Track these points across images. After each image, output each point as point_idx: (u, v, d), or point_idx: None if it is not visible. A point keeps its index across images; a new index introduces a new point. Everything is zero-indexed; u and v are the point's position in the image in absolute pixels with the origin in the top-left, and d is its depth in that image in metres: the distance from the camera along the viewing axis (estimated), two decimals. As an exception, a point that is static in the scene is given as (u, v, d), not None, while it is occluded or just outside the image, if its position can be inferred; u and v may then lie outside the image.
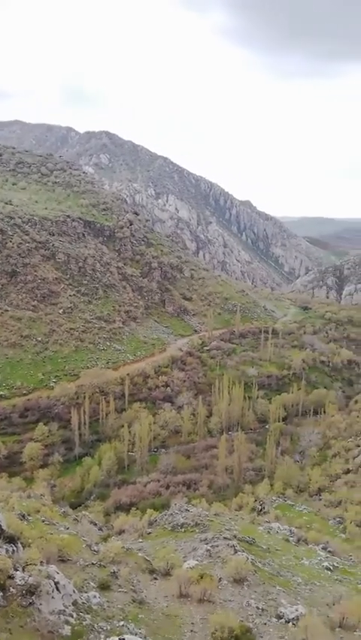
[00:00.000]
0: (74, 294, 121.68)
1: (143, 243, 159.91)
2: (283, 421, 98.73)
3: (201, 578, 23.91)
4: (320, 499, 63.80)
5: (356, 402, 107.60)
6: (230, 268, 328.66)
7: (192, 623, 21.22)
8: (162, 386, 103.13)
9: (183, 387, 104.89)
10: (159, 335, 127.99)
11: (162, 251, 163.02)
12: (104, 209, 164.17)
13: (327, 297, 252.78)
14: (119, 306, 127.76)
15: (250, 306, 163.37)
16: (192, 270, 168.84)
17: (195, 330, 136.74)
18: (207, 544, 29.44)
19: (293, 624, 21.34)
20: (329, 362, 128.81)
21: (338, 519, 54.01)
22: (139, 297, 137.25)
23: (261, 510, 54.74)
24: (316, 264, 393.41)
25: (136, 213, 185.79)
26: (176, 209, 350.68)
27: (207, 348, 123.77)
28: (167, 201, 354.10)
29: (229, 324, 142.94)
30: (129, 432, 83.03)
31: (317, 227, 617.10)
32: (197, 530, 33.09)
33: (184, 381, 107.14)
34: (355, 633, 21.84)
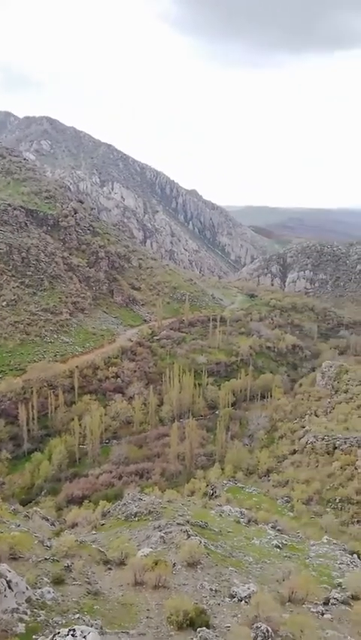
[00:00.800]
0: (17, 286, 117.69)
1: (89, 232, 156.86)
2: (232, 406, 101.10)
3: (156, 564, 24.23)
4: (269, 480, 66.06)
5: (300, 385, 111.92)
6: (178, 257, 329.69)
7: (148, 610, 21.53)
8: (113, 377, 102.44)
9: (134, 377, 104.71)
10: (108, 326, 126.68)
11: (108, 240, 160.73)
12: (47, 198, 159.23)
13: (272, 285, 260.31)
14: (66, 297, 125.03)
15: (199, 294, 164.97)
16: (140, 259, 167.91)
17: (145, 320, 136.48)
18: (160, 531, 29.81)
19: (246, 602, 22.14)
20: (274, 347, 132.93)
21: (286, 498, 56.25)
22: (86, 288, 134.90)
23: (213, 494, 55.97)
24: (261, 253, 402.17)
25: (81, 201, 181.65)
26: (122, 197, 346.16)
27: (157, 337, 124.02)
28: (112, 189, 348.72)
29: (178, 313, 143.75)
30: (80, 425, 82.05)
31: (261, 217, 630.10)
32: (150, 518, 33.41)
33: (135, 371, 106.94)
34: (303, 606, 23.00)
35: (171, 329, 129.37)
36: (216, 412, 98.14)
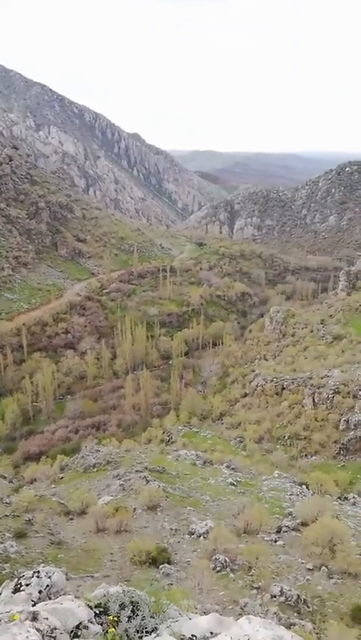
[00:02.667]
0: None
1: (26, 181, 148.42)
2: (185, 355, 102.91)
3: (117, 510, 25.13)
4: (222, 423, 68.91)
5: (250, 331, 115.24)
6: (124, 206, 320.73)
7: (111, 553, 22.49)
8: (63, 333, 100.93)
9: (85, 332, 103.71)
10: (54, 280, 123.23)
11: (48, 189, 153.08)
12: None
13: (220, 233, 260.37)
14: (7, 252, 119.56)
15: (147, 245, 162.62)
16: (84, 209, 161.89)
17: (93, 273, 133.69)
18: (120, 479, 30.73)
19: (204, 538, 23.58)
20: (224, 296, 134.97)
21: (239, 439, 59.15)
22: (28, 241, 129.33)
23: (169, 440, 57.80)
24: (208, 200, 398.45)
25: (15, 147, 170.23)
26: (60, 142, 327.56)
27: (107, 290, 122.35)
28: (49, 134, 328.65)
29: (127, 264, 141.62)
30: (32, 383, 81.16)
31: (207, 162, 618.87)
32: (109, 468, 34.27)
33: (85, 326, 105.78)
34: (258, 536, 24.81)
35: (120, 281, 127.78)
36: (170, 362, 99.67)
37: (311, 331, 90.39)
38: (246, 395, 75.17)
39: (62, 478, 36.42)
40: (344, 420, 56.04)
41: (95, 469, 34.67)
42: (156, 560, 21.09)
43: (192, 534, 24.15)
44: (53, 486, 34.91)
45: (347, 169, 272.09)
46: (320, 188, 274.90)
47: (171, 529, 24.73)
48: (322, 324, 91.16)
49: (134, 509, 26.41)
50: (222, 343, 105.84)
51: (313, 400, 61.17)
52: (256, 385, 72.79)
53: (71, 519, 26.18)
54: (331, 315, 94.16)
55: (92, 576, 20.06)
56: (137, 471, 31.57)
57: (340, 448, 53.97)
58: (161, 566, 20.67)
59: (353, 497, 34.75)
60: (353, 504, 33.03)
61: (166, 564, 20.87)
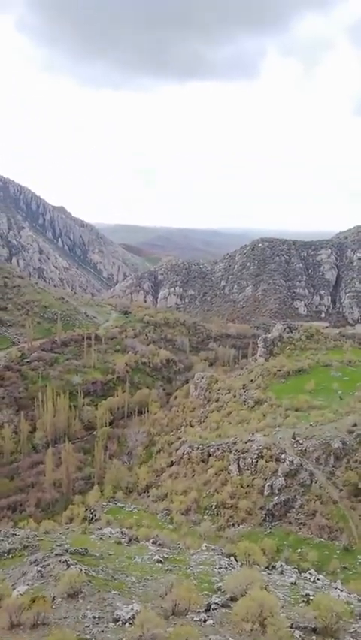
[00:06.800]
0: None
1: None
2: (110, 425, 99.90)
3: (33, 601, 22.66)
4: (149, 496, 66.39)
5: (175, 397, 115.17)
6: (48, 275, 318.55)
7: (26, 654, 19.99)
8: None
9: (3, 404, 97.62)
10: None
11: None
12: None
13: (145, 301, 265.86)
14: None
15: (71, 313, 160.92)
16: (6, 277, 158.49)
17: (13, 342, 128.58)
18: (37, 565, 28.02)
19: (130, 624, 21.78)
20: (149, 363, 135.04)
21: (166, 511, 57.05)
22: None
23: (92, 518, 54.49)
24: (133, 270, 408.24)
25: None
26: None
27: (28, 360, 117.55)
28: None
29: (50, 333, 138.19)
30: None
31: (131, 235, 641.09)
32: (26, 553, 31.27)
33: (3, 397, 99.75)
34: (187, 616, 23.37)
35: (42, 350, 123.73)
36: (94, 433, 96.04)
37: (234, 396, 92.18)
38: (172, 464, 73.61)
39: (-30, 569, 32.43)
40: (268, 485, 56.27)
41: (10, 556, 31.42)
42: (77, 656, 18.99)
43: (117, 621, 22.20)
44: None
45: (259, 245, 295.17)
46: (236, 262, 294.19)
47: (94, 617, 22.59)
48: (243, 389, 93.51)
49: (54, 598, 23.95)
50: (148, 411, 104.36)
51: (239, 465, 61.13)
52: (183, 453, 71.67)
53: (-20, 617, 23.08)
54: (252, 380, 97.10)
55: None
56: (57, 554, 29.01)
57: (265, 514, 53.68)
58: (82, 663, 18.64)
59: (281, 565, 34.23)
60: (281, 572, 32.46)
61: (88, 660, 18.86)
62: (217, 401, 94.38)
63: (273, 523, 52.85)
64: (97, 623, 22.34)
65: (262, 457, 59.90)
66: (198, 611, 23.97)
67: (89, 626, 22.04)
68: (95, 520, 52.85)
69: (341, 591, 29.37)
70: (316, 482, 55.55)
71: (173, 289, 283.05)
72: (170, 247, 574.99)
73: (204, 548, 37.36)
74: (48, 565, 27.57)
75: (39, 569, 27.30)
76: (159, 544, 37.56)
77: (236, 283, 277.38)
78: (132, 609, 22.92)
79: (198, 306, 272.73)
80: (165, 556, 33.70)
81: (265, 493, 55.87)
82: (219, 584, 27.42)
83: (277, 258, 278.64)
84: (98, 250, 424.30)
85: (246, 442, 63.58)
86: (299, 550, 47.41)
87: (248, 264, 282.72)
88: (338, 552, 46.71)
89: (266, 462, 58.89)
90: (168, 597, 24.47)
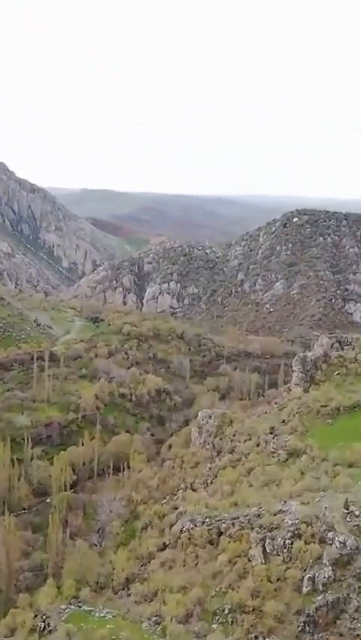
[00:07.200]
0: None
1: None
2: (71, 488, 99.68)
3: None
4: (129, 595, 66.07)
5: (169, 447, 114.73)
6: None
7: None
8: None
9: None
10: None
11: None
12: None
13: (124, 303, 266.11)
14: None
15: (15, 320, 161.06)
16: None
17: None
18: None
19: None
20: (131, 395, 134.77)
21: (155, 618, 56.70)
22: None
23: (44, 629, 54.30)
24: (107, 257, 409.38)
25: None
26: None
27: None
28: None
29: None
30: None
31: (104, 205, 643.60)
32: None
33: None
34: None
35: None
36: (47, 500, 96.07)
37: (257, 445, 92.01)
38: (165, 547, 73.47)
39: None
40: (309, 578, 55.97)
41: None
42: None
43: None
44: None
45: (295, 219, 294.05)
46: (260, 245, 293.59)
47: None
48: (272, 434, 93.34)
49: None
50: (128, 467, 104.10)
51: (264, 548, 60.89)
52: (181, 531, 71.49)
53: None
54: (284, 421, 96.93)
55: None
56: None
57: (304, 622, 53.36)
58: None
59: None
60: None
61: None
62: (232, 452, 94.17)
63: (316, 636, 52.56)
64: None
65: (299, 536, 59.63)
66: None
67: None
68: (49, 631, 52.63)
69: None
70: (380, 574, 55.32)
71: (166, 285, 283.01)
72: (161, 222, 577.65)
73: None
74: None
75: None
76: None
77: (260, 276, 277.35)
78: None
79: (204, 311, 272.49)
80: None
81: (304, 590, 55.61)
82: None
83: (322, 239, 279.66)
84: (56, 227, 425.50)
85: (275, 515, 63.38)
86: None
87: (278, 247, 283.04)
88: None
89: (306, 544, 58.62)
90: None
